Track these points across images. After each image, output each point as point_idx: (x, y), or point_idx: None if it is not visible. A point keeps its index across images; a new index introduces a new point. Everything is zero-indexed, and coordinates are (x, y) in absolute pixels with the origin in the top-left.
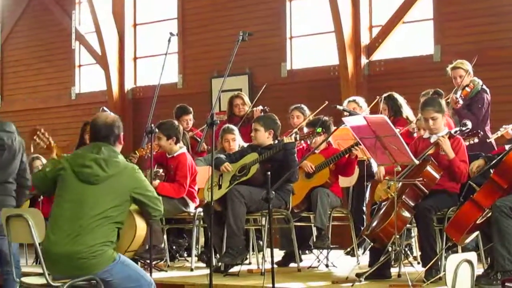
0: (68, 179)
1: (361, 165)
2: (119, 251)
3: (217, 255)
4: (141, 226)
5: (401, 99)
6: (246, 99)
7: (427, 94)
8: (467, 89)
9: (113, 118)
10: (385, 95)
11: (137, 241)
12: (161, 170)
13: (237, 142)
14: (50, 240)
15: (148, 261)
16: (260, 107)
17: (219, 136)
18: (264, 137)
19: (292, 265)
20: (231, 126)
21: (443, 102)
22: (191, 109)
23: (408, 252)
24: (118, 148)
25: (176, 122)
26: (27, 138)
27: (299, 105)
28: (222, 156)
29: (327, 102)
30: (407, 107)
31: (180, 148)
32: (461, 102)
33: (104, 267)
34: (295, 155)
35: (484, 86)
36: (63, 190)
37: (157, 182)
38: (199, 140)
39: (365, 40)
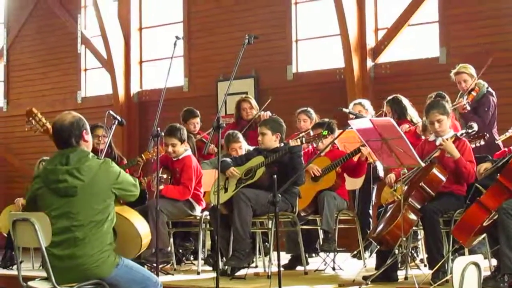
0: (47, 197)
1: (367, 168)
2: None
3: (224, 258)
4: (145, 233)
5: (405, 101)
6: (254, 102)
7: (431, 97)
8: (473, 93)
9: (71, 118)
10: (389, 97)
11: (143, 249)
12: (165, 176)
13: (243, 147)
14: (50, 255)
15: (155, 265)
16: (268, 113)
17: (224, 143)
18: (272, 140)
19: (298, 268)
20: (235, 133)
21: (447, 104)
22: (198, 112)
23: (415, 255)
24: (85, 146)
25: (178, 125)
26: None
27: (305, 108)
28: (228, 159)
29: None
30: (412, 109)
31: (185, 151)
32: (468, 108)
33: (109, 273)
34: (302, 158)
35: (489, 89)
36: (45, 208)
37: (162, 186)
38: (206, 142)
39: (370, 42)
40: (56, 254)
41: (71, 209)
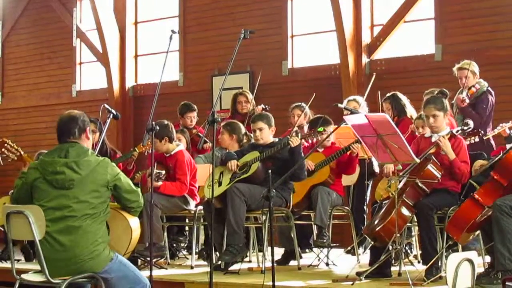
0: (43, 188)
1: (362, 164)
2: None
3: (218, 252)
4: (135, 226)
5: (404, 99)
6: (250, 96)
7: (431, 93)
8: (473, 89)
9: (78, 113)
10: (388, 94)
11: (133, 243)
12: (163, 172)
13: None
14: (44, 247)
15: (149, 259)
16: (262, 106)
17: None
18: (269, 134)
19: (292, 263)
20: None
21: (446, 101)
22: (195, 106)
23: (408, 251)
24: (85, 143)
25: (165, 121)
26: None
27: (299, 103)
28: (233, 152)
29: (314, 95)
30: (410, 106)
31: (176, 146)
32: (467, 101)
33: (103, 266)
34: (302, 153)
35: (489, 88)
36: (41, 200)
37: (160, 183)
38: (201, 136)
39: (366, 39)
40: (51, 243)
41: (65, 202)
